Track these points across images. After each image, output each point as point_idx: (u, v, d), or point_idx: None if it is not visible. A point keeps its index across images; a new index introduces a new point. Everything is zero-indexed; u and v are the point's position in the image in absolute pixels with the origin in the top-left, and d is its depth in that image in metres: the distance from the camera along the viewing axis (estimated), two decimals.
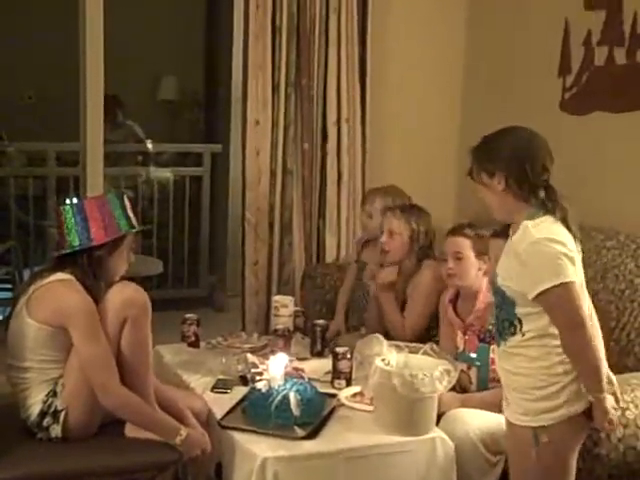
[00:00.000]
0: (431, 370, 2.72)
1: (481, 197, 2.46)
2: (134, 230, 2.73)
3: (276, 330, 3.36)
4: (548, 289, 2.23)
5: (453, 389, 2.90)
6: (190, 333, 3.42)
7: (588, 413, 2.32)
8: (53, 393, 2.54)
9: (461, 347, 3.13)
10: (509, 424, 2.45)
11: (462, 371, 3.03)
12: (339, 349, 3.08)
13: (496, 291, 2.43)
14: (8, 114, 6.32)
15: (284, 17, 4.11)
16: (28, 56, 6.49)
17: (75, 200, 2.71)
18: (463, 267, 3.12)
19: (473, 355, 3.07)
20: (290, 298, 3.55)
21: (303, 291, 4.24)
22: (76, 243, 2.61)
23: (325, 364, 3.20)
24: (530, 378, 2.34)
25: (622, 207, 3.43)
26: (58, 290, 2.56)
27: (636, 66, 3.38)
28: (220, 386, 3.02)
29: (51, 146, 5.77)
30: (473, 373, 3.07)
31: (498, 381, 2.58)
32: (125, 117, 6.47)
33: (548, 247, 2.26)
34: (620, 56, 3.45)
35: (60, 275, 2.59)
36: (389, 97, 4.47)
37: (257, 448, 2.56)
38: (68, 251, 2.62)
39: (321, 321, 3.46)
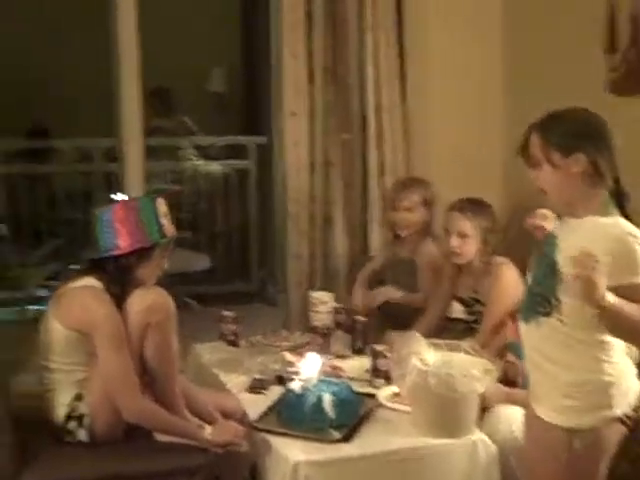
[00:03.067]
0: (470, 369, 2.62)
1: (534, 178, 2.22)
2: (165, 240, 2.65)
3: (314, 327, 3.29)
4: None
5: (499, 382, 2.80)
6: (229, 331, 3.36)
7: (624, 419, 2.20)
8: (78, 397, 2.51)
9: (510, 338, 3.01)
10: (535, 419, 2.28)
11: (510, 362, 2.93)
12: (378, 347, 2.99)
13: (546, 262, 2.20)
14: (57, 110, 6.36)
15: (319, 3, 4.01)
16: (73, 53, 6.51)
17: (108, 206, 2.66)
18: None
19: None
20: (329, 294, 3.46)
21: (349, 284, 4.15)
22: (102, 250, 2.57)
23: (366, 362, 3.12)
24: (568, 372, 2.18)
25: None
26: (84, 297, 2.53)
27: None
28: (256, 386, 2.96)
29: (98, 141, 5.76)
30: (522, 365, 2.93)
31: None
32: (176, 110, 6.47)
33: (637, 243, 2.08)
34: None
35: (88, 280, 2.55)
36: (430, 82, 4.34)
37: (289, 452, 2.50)
38: (95, 257, 2.58)
39: (362, 317, 3.38)
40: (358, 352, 3.28)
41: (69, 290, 2.53)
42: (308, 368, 2.73)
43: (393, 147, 4.25)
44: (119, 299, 2.53)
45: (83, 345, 2.49)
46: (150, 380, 2.54)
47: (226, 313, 3.40)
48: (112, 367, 2.45)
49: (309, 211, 4.18)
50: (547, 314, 2.18)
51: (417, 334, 2.79)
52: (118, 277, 2.56)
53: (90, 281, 2.55)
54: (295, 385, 2.70)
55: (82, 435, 2.50)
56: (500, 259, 3.31)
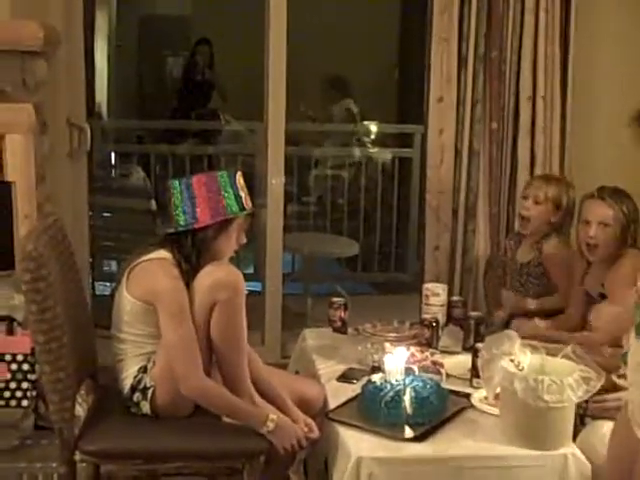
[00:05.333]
0: (566, 376, 2.38)
1: None
2: (244, 213, 2.59)
3: (422, 320, 3.13)
4: None
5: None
6: (336, 318, 3.25)
7: None
8: (144, 369, 2.49)
9: (626, 347, 2.72)
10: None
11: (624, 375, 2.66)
12: (480, 345, 2.79)
13: None
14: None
15: None
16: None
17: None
18: None
19: None
20: (443, 286, 3.28)
21: (486, 281, 3.95)
22: (181, 222, 2.52)
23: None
24: None
25: None
26: (153, 269, 2.49)
27: None
28: (348, 376, 2.84)
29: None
30: None
31: None
32: (344, 97, 6.45)
33: None
34: None
35: (160, 253, 2.52)
36: (595, 72, 4.03)
37: (355, 446, 2.36)
38: (172, 230, 2.54)
39: (476, 313, 3.18)
40: (469, 350, 3.07)
41: (141, 262, 2.51)
42: (393, 361, 2.58)
43: (547, 140, 3.99)
44: (191, 274, 2.49)
45: (151, 317, 2.46)
46: (217, 360, 2.49)
47: (335, 299, 3.29)
48: (173, 340, 2.41)
49: (451, 202, 4.02)
50: None
51: (513, 333, 2.56)
52: (194, 251, 2.51)
53: (161, 253, 2.52)
54: (376, 377, 2.58)
55: (145, 408, 2.48)
56: (634, 251, 3.03)
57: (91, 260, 4.41)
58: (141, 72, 8.14)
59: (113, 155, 6.31)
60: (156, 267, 2.49)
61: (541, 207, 3.36)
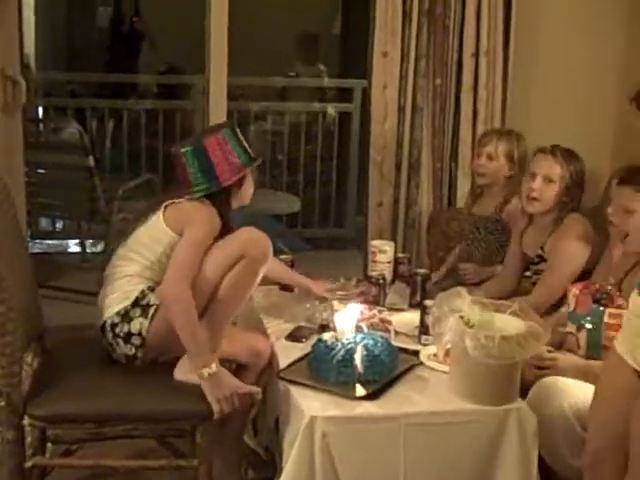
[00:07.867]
0: (514, 333, 2.41)
1: None
2: (255, 163, 2.70)
3: (369, 277, 3.13)
4: None
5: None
6: None
7: None
8: (151, 289, 2.52)
9: (572, 306, 2.78)
10: None
11: (570, 333, 2.74)
12: (429, 302, 2.80)
13: None
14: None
15: None
16: None
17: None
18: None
19: (585, 316, 2.71)
20: (390, 243, 3.28)
21: (429, 236, 3.98)
22: (204, 187, 2.58)
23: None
24: None
25: None
26: (191, 204, 2.58)
27: None
28: (296, 334, 2.83)
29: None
30: (583, 336, 2.71)
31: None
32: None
33: None
34: None
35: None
36: (538, 28, 4.05)
37: (307, 405, 2.36)
38: (197, 196, 2.59)
39: (423, 270, 3.18)
40: (416, 307, 3.09)
41: (178, 202, 2.58)
42: (344, 319, 2.58)
43: (489, 96, 4.00)
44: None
45: None
46: (212, 306, 2.53)
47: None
48: (180, 255, 2.46)
49: (394, 158, 4.01)
50: None
51: (463, 290, 2.58)
52: (223, 207, 2.62)
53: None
54: (327, 336, 2.57)
55: (138, 326, 2.47)
56: (575, 215, 3.06)
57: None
58: (70, 23, 7.91)
59: (41, 109, 6.14)
60: (197, 203, 2.58)
61: (495, 163, 3.39)
